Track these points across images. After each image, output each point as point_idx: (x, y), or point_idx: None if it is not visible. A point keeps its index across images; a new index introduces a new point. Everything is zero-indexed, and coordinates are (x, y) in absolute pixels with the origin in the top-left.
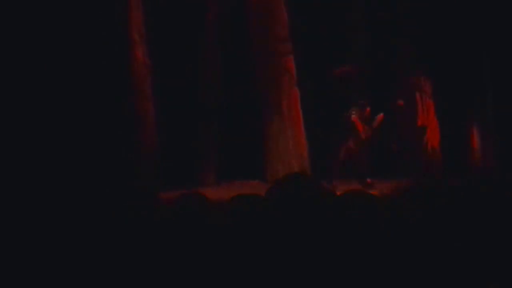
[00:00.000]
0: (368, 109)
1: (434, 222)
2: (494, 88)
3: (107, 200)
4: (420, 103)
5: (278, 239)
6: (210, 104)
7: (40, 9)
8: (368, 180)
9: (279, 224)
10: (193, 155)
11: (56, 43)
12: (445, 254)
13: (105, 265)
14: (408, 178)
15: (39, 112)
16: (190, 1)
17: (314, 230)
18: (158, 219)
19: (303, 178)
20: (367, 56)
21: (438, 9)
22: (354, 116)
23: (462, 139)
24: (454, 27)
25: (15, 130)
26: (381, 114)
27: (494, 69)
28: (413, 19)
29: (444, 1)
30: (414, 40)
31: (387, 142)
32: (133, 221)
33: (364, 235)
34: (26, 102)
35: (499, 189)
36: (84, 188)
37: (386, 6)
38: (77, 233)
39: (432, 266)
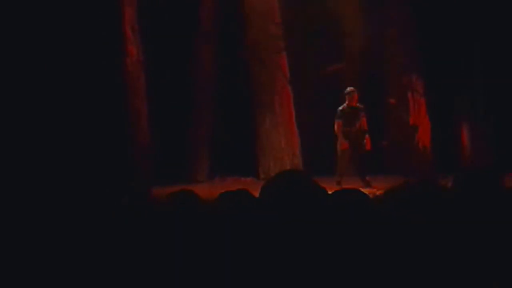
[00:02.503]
0: (356, 96)
1: (424, 221)
2: (485, 87)
3: (100, 196)
4: (412, 101)
5: (270, 236)
6: (203, 101)
7: (32, 5)
8: (367, 178)
9: (271, 221)
10: (186, 152)
11: (49, 40)
12: (437, 254)
13: (97, 261)
14: (399, 176)
15: (31, 110)
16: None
17: (307, 228)
18: (150, 216)
19: (297, 175)
20: (359, 55)
21: (431, 9)
22: (337, 122)
23: (453, 137)
24: (446, 26)
25: (6, 128)
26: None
27: (485, 69)
28: (406, 20)
29: (437, 2)
30: (407, 40)
31: (378, 140)
32: (125, 218)
33: (356, 233)
34: (16, 99)
35: (489, 187)
36: (78, 184)
37: (379, 6)
38: (71, 229)
39: (424, 266)
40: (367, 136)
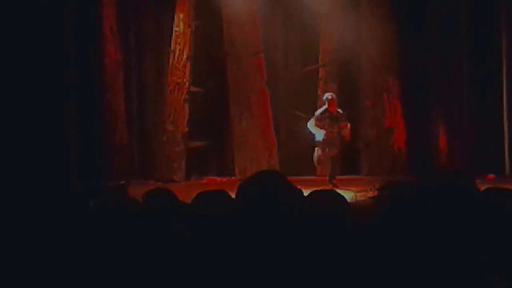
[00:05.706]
0: (335, 101)
1: (401, 223)
2: (464, 89)
3: (75, 194)
4: (387, 103)
5: (246, 236)
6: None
7: (10, 5)
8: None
9: (246, 221)
10: (164, 151)
11: (27, 39)
12: (415, 256)
13: (69, 260)
14: (374, 177)
15: (7, 108)
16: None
17: (283, 228)
18: (125, 215)
19: (273, 175)
20: (335, 56)
21: (408, 9)
22: (313, 122)
23: (429, 140)
24: (423, 27)
25: None
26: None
27: (464, 71)
28: (383, 20)
29: (416, 2)
30: (382, 41)
31: (354, 142)
32: (100, 218)
33: (333, 234)
34: None
35: (460, 189)
36: (53, 182)
37: (357, 8)
38: (43, 229)
39: (401, 270)
40: (348, 125)
